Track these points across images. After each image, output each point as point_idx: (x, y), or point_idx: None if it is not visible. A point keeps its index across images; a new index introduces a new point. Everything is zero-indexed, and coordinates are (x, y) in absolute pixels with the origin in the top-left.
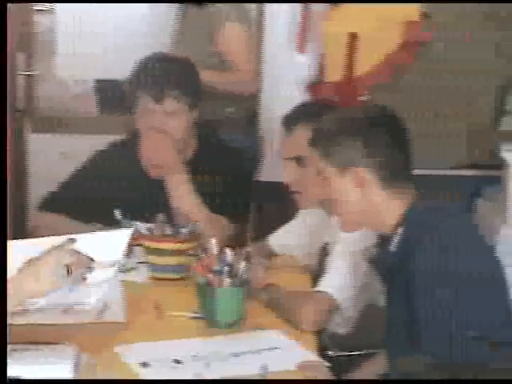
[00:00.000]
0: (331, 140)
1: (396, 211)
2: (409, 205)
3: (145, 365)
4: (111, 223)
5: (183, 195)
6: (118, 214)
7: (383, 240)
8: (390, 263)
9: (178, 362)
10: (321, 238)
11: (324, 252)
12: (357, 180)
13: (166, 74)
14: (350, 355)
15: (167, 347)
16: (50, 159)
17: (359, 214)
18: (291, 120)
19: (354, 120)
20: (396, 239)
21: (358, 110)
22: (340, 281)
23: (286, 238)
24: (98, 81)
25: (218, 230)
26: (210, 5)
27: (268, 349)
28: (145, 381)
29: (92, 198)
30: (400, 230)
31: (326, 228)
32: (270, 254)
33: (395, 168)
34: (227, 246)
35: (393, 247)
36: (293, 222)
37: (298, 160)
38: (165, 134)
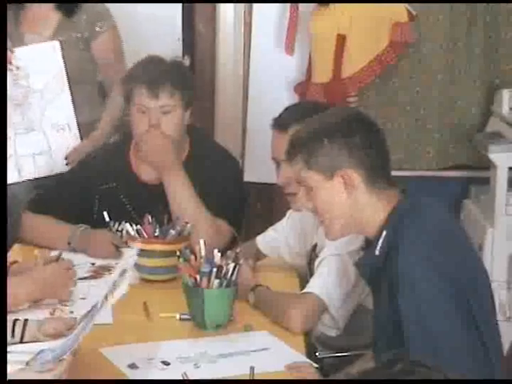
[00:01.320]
0: (313, 146)
1: (380, 214)
2: (393, 207)
3: (132, 366)
4: (100, 225)
5: (183, 197)
6: (106, 216)
7: (368, 243)
8: (374, 266)
9: (165, 363)
10: (310, 240)
11: (313, 253)
12: (347, 182)
13: (160, 71)
14: (337, 356)
15: (155, 349)
16: None
17: (345, 218)
18: (284, 121)
19: (332, 123)
20: (380, 242)
21: (331, 115)
22: (328, 283)
23: (273, 239)
24: None
25: (218, 232)
26: (84, 8)
27: (257, 350)
28: (140, 381)
29: (81, 200)
30: (384, 233)
31: (315, 229)
32: (258, 255)
33: (377, 170)
34: (226, 249)
35: (377, 251)
36: (280, 223)
37: None
38: (162, 133)
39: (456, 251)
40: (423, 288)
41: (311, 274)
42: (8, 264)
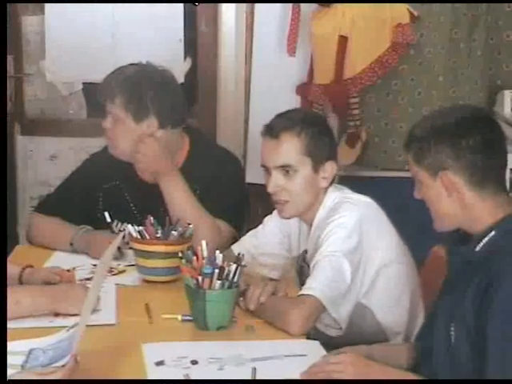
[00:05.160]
0: (422, 145)
1: (490, 216)
2: (506, 213)
3: (159, 363)
4: (102, 226)
5: (180, 199)
6: (107, 216)
7: (469, 238)
8: (466, 260)
9: (194, 362)
10: (295, 245)
11: (304, 262)
12: (447, 185)
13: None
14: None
15: (189, 348)
16: (39, 162)
17: (451, 214)
18: (275, 129)
19: (444, 124)
20: (484, 240)
21: (448, 113)
22: (324, 284)
23: (254, 246)
24: (87, 84)
25: (218, 234)
26: None
27: (295, 355)
28: (140, 380)
29: (86, 199)
30: (492, 234)
31: (302, 235)
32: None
33: (486, 173)
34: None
35: (479, 247)
36: (260, 229)
37: (285, 169)
38: (154, 139)
39: None
40: None
41: (302, 279)
42: (21, 268)
